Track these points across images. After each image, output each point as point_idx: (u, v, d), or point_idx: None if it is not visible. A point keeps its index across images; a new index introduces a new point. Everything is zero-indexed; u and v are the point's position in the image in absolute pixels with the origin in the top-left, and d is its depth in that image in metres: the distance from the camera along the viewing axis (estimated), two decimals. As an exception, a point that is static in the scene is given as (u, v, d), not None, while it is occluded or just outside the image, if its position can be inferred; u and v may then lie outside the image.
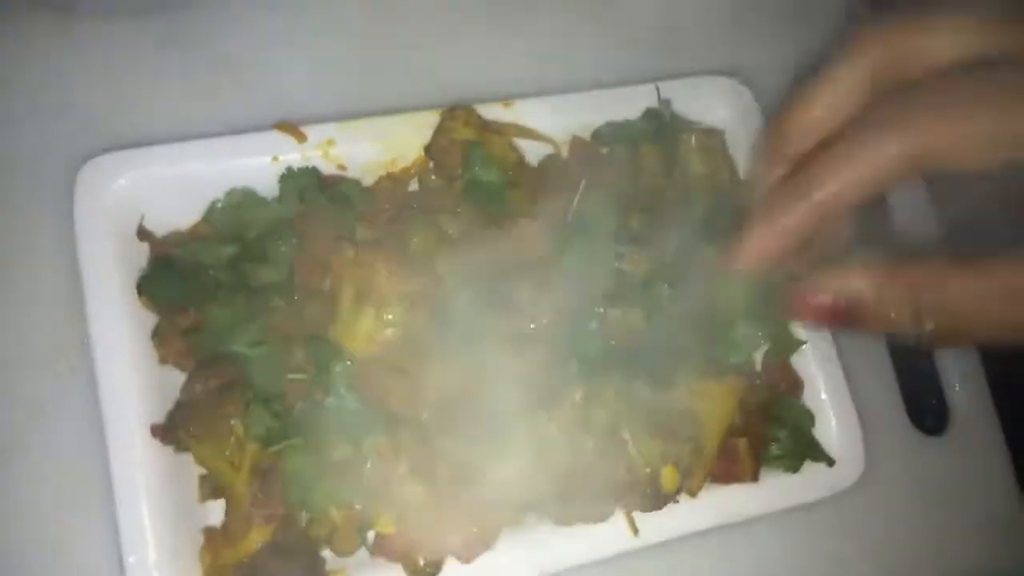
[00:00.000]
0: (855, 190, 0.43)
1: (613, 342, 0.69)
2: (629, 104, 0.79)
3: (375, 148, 0.73)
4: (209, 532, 0.64)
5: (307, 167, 0.70)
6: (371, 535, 0.66)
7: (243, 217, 0.68)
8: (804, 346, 0.77)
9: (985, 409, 0.88)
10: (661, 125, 0.78)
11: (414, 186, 0.74)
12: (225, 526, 0.63)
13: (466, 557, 0.65)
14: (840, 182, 0.43)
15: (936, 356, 0.88)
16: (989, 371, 0.90)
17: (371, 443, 0.62)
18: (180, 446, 0.63)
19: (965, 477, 0.86)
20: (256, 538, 0.63)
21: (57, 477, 0.66)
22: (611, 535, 0.69)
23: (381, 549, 0.66)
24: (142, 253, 0.68)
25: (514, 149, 0.73)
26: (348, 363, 0.61)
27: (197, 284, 0.63)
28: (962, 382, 0.88)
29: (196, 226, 0.70)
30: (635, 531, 0.69)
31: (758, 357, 0.77)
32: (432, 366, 0.65)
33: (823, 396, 0.77)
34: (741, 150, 0.82)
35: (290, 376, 0.61)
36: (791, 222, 0.46)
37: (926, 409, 0.87)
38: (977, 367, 0.89)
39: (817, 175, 0.44)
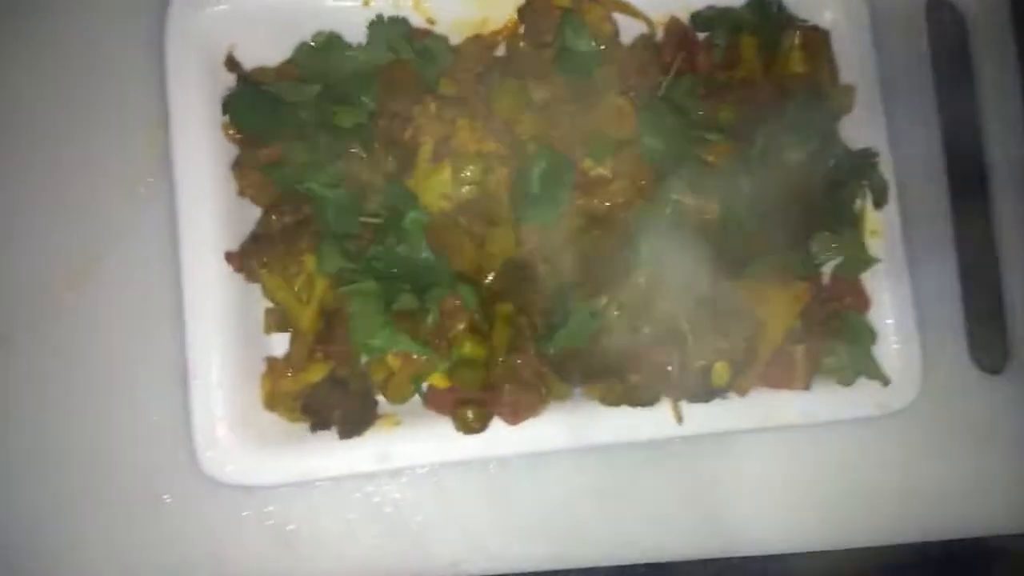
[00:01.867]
0: None
1: (685, 231, 0.67)
2: (733, -10, 0.75)
3: (468, 5, 0.71)
4: (271, 361, 0.67)
5: (397, 16, 0.69)
6: (424, 386, 0.68)
7: (329, 61, 0.68)
8: (877, 265, 0.75)
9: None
10: (766, 16, 0.74)
11: (502, 52, 0.73)
12: (288, 357, 0.66)
13: (513, 419, 0.67)
14: None
15: (1005, 296, 0.85)
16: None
17: (435, 296, 0.63)
18: (251, 276, 0.65)
19: (1015, 421, 0.85)
20: (315, 372, 0.65)
21: (131, 296, 0.69)
22: (656, 420, 0.70)
23: (433, 401, 0.68)
24: (229, 84, 0.68)
25: (610, 21, 0.70)
26: (420, 213, 0.61)
27: (280, 118, 0.63)
28: (1027, 325, 0.85)
29: (284, 64, 0.69)
30: (680, 419, 0.70)
31: (828, 269, 0.76)
32: (503, 231, 0.65)
33: (888, 318, 0.76)
34: (845, 54, 0.78)
35: (364, 219, 0.62)
36: None
37: (987, 347, 0.85)
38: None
39: None
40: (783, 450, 0.75)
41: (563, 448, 0.70)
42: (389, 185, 0.62)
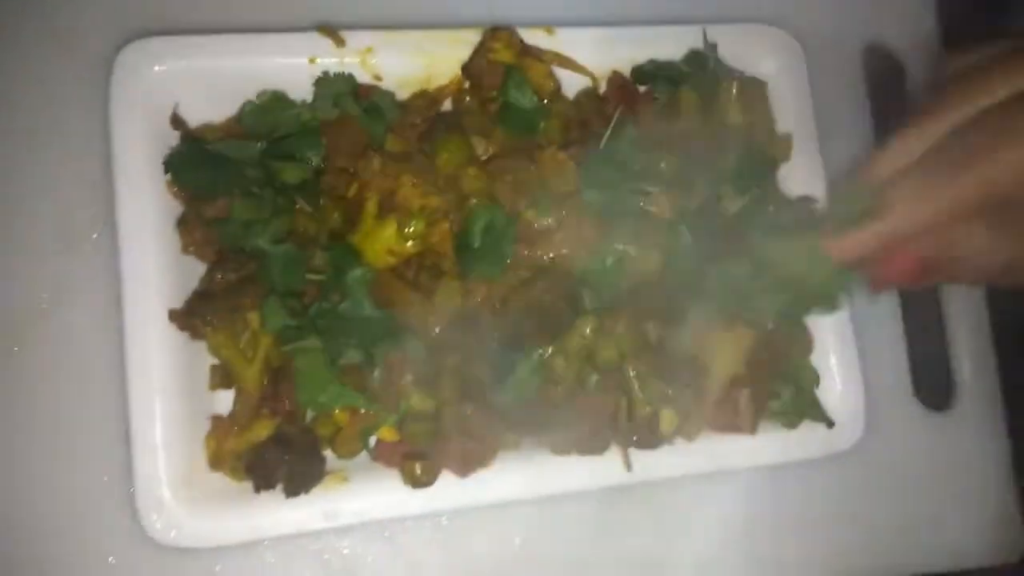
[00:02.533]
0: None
1: (628, 280, 0.69)
2: (673, 43, 0.77)
3: (413, 62, 0.72)
4: (216, 420, 0.66)
5: (343, 73, 0.70)
6: (372, 441, 0.68)
7: (274, 118, 0.68)
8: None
9: (991, 392, 0.88)
10: (704, 69, 0.76)
11: (448, 106, 0.74)
12: (232, 415, 0.65)
13: (462, 472, 0.67)
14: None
15: (948, 331, 0.88)
16: (1000, 355, 0.89)
17: (381, 351, 0.63)
18: (196, 333, 0.65)
19: (962, 457, 0.86)
20: (261, 430, 0.64)
21: (74, 356, 0.67)
22: (605, 468, 0.70)
23: (381, 455, 0.67)
24: (174, 142, 0.68)
25: (552, 77, 0.72)
26: (366, 271, 0.62)
27: (224, 175, 0.64)
28: (971, 361, 0.88)
29: (229, 121, 0.70)
30: (628, 467, 0.70)
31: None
32: (449, 284, 0.66)
33: (831, 359, 0.77)
34: (783, 104, 0.80)
35: (309, 276, 0.62)
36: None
37: (932, 384, 0.87)
38: (988, 348, 0.88)
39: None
40: (733, 491, 0.76)
41: (515, 499, 0.70)
42: (332, 244, 0.62)
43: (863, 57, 0.91)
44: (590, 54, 0.76)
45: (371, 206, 0.64)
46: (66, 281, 0.68)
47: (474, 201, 0.64)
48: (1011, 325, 0.90)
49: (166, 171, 0.63)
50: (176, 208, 0.67)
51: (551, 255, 0.67)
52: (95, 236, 0.69)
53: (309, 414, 0.65)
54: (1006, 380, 0.89)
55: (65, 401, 0.67)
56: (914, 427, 0.85)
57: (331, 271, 0.62)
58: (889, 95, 0.92)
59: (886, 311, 0.85)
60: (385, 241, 0.63)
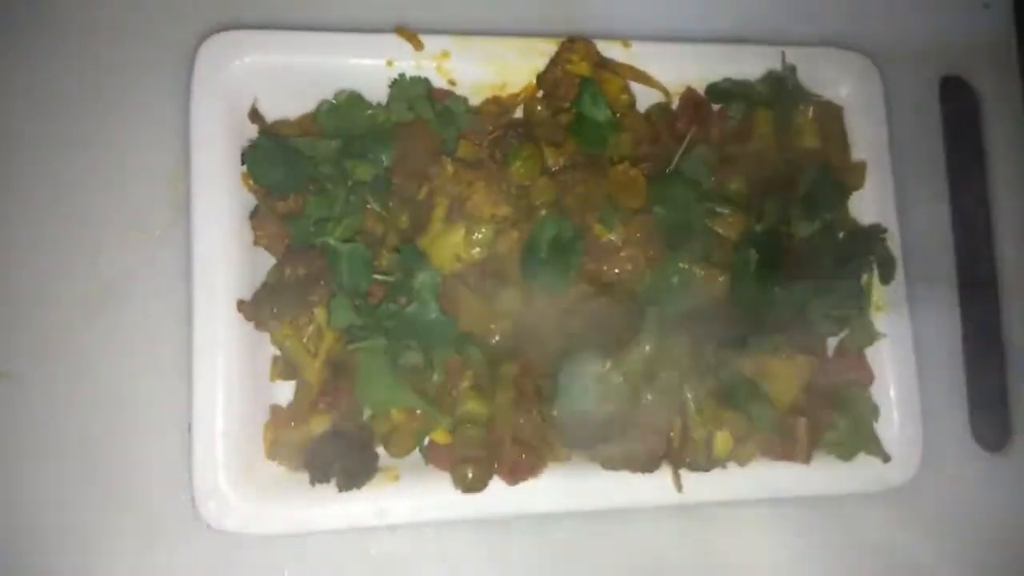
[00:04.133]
0: None
1: (692, 301, 0.68)
2: (750, 63, 0.77)
3: (488, 68, 0.72)
4: (275, 410, 0.67)
5: (419, 76, 0.70)
6: (426, 442, 0.68)
7: (349, 118, 0.69)
8: (882, 340, 0.76)
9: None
10: (781, 91, 0.75)
11: (519, 114, 0.74)
12: (292, 407, 0.66)
13: (511, 479, 0.67)
14: None
15: (1009, 373, 0.86)
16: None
17: (441, 355, 0.63)
18: (262, 325, 0.66)
19: (1017, 499, 0.84)
20: (318, 423, 0.65)
21: (141, 338, 0.69)
22: (655, 487, 0.70)
23: (433, 457, 0.68)
24: (250, 135, 0.69)
25: (628, 91, 0.72)
26: (435, 275, 0.62)
27: (298, 171, 0.65)
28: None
29: (304, 118, 0.71)
30: (680, 487, 0.70)
31: (833, 342, 0.76)
32: (512, 292, 0.66)
33: (891, 393, 0.76)
34: (858, 130, 0.79)
35: (377, 276, 0.63)
36: None
37: (989, 424, 0.85)
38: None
39: None
40: (783, 520, 0.75)
41: (562, 511, 0.70)
42: (402, 246, 0.63)
43: (941, 87, 0.89)
44: (665, 69, 0.75)
45: (440, 210, 0.65)
46: (143, 265, 0.70)
47: (544, 212, 0.64)
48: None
49: (243, 163, 0.64)
50: (250, 201, 0.68)
51: (616, 270, 0.67)
52: (173, 224, 0.71)
53: (366, 411, 0.65)
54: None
55: (130, 383, 0.68)
56: (969, 466, 0.83)
57: (400, 273, 0.62)
58: (965, 127, 0.90)
59: (948, 349, 0.84)
60: (453, 247, 0.64)
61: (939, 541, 0.79)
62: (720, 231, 0.69)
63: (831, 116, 0.76)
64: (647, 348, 0.66)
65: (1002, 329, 0.87)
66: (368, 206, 0.66)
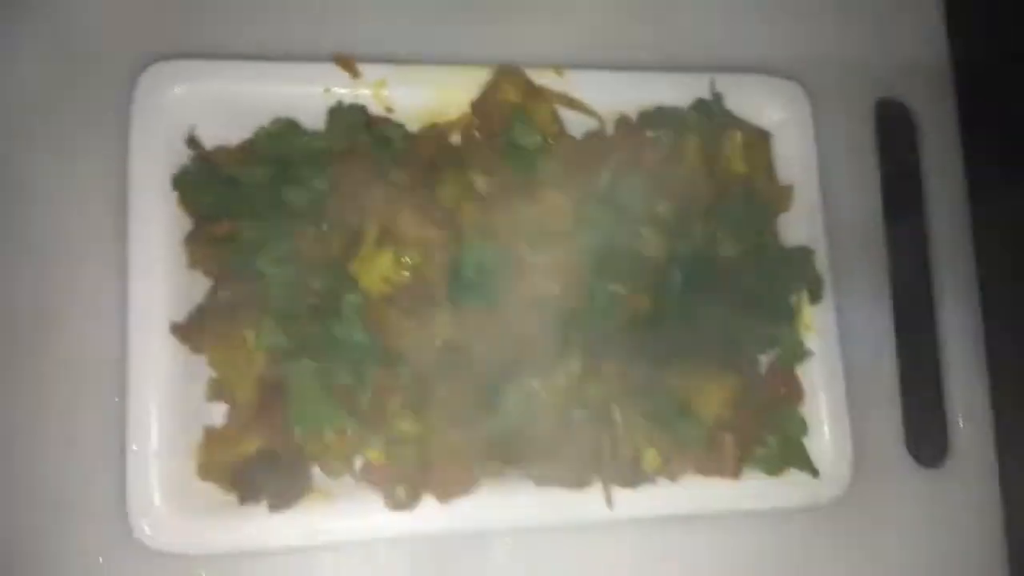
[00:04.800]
0: None
1: (618, 320, 0.70)
2: (681, 90, 0.79)
3: (425, 95, 0.74)
4: (209, 431, 0.68)
5: (357, 104, 0.72)
6: (360, 462, 0.69)
7: (286, 145, 0.71)
8: (811, 357, 0.77)
9: (985, 451, 0.88)
10: (709, 118, 0.77)
11: (457, 140, 0.76)
12: (225, 428, 0.67)
13: (444, 497, 0.68)
14: None
15: (945, 387, 0.87)
16: (997, 413, 0.89)
17: (371, 374, 0.65)
18: (196, 347, 0.67)
19: (953, 516, 0.86)
20: (251, 444, 0.66)
21: (78, 361, 0.69)
22: (586, 504, 0.71)
23: (367, 476, 0.69)
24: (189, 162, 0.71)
25: (556, 119, 0.74)
26: (360, 296, 0.64)
27: (232, 196, 0.66)
28: (967, 419, 0.87)
29: (243, 145, 0.72)
30: (610, 503, 0.71)
31: (764, 360, 0.78)
32: (440, 314, 0.68)
33: (821, 409, 0.78)
34: (787, 154, 0.81)
35: (305, 298, 0.64)
36: None
37: (925, 440, 0.87)
38: (985, 406, 0.88)
39: None
40: (714, 534, 0.76)
41: (495, 529, 0.71)
42: (329, 268, 0.65)
43: (876, 110, 0.91)
44: (598, 96, 0.77)
45: (371, 234, 0.66)
46: (78, 288, 0.71)
47: (472, 236, 0.66)
48: (1010, 383, 0.89)
49: (174, 188, 0.66)
50: (187, 225, 0.70)
51: (543, 291, 0.69)
52: (110, 248, 0.72)
53: (298, 431, 0.66)
54: (1001, 439, 0.88)
55: (66, 404, 0.69)
56: (905, 482, 0.84)
57: (327, 295, 0.64)
58: (901, 150, 0.92)
59: (882, 365, 0.85)
60: (381, 269, 0.65)
61: (873, 557, 0.81)
62: (646, 253, 0.71)
63: (759, 141, 0.79)
64: (574, 367, 0.68)
65: (938, 347, 0.89)
66: (302, 231, 0.67)
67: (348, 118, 0.71)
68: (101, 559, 0.68)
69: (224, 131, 0.72)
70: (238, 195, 0.67)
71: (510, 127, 0.71)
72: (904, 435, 0.85)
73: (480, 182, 0.69)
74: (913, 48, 0.94)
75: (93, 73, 0.73)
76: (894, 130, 0.92)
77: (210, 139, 0.72)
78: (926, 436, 0.88)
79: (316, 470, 0.69)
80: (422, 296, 0.67)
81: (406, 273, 0.66)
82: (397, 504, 0.67)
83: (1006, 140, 0.93)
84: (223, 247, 0.67)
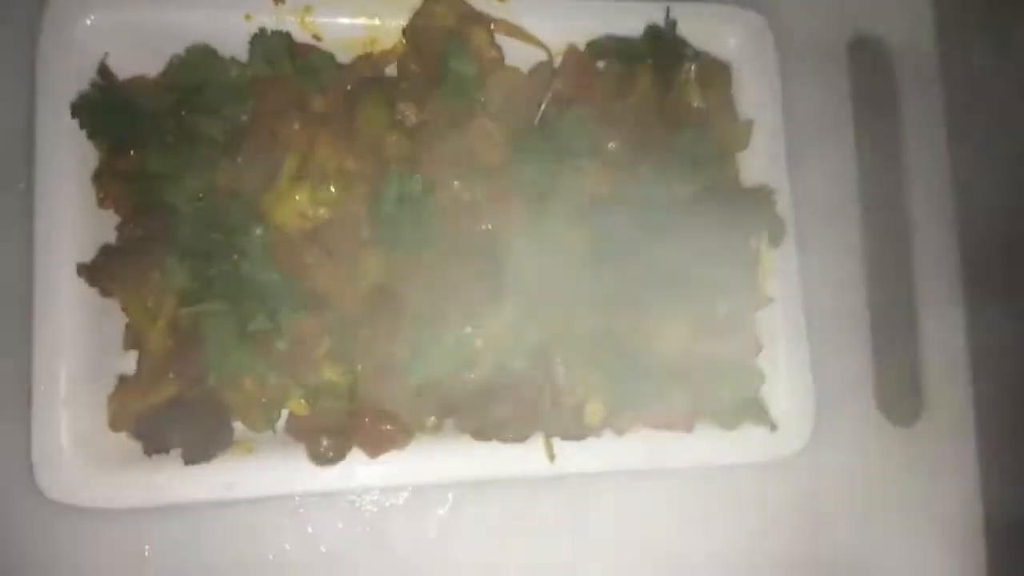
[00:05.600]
0: None
1: (558, 263, 0.65)
2: (635, 20, 0.74)
3: (354, 22, 0.69)
4: (121, 379, 0.64)
5: (279, 30, 0.67)
6: (285, 415, 0.65)
7: (203, 74, 0.66)
8: (771, 305, 0.73)
9: (962, 412, 0.83)
10: (662, 48, 0.72)
11: (393, 72, 0.71)
12: (135, 376, 0.63)
13: (373, 452, 0.64)
14: None
15: (920, 344, 0.83)
16: (977, 367, 0.84)
17: (289, 319, 0.60)
18: (105, 290, 0.63)
19: (925, 477, 0.81)
20: (164, 393, 0.62)
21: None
22: (526, 457, 0.67)
23: (291, 428, 0.65)
24: (103, 95, 0.66)
25: (495, 46, 0.69)
26: (267, 230, 0.59)
27: (141, 125, 0.61)
28: (943, 376, 0.82)
29: (161, 76, 0.68)
30: (551, 457, 0.67)
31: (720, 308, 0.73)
32: (368, 255, 0.63)
33: (780, 360, 0.73)
34: (749, 89, 0.76)
35: (213, 235, 0.60)
36: None
37: (897, 397, 0.82)
38: (965, 362, 0.83)
39: None
40: (664, 490, 0.72)
41: (430, 483, 0.68)
42: (231, 200, 0.60)
43: (849, 51, 0.86)
44: (544, 26, 0.72)
45: (288, 167, 0.62)
46: (-15, 230, 0.67)
47: (393, 168, 0.61)
48: (991, 334, 0.85)
49: (73, 115, 0.61)
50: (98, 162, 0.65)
51: (477, 230, 0.64)
52: (20, 187, 0.68)
53: (214, 379, 0.62)
54: (980, 396, 0.84)
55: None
56: (874, 440, 0.80)
57: (236, 232, 0.59)
58: (875, 92, 0.87)
59: (852, 315, 0.81)
60: (298, 203, 0.61)
61: (834, 515, 0.76)
62: (590, 189, 0.66)
63: (717, 74, 0.73)
64: (509, 311, 0.63)
65: (914, 297, 0.84)
66: (215, 164, 0.63)
67: (270, 44, 0.66)
68: (7, 516, 0.64)
69: (142, 63, 0.67)
70: (145, 125, 0.62)
71: (444, 54, 0.66)
72: (874, 390, 0.81)
73: (407, 111, 0.64)
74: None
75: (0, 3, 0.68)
76: (869, 67, 0.87)
77: (128, 71, 0.67)
78: (897, 394, 0.83)
79: (238, 424, 0.65)
80: (345, 235, 0.62)
81: (323, 209, 0.61)
82: (320, 458, 0.63)
83: (988, 78, 0.87)
84: (133, 183, 0.62)
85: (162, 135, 0.62)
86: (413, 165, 0.63)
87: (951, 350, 0.83)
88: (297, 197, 0.60)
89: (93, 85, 0.63)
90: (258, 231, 0.59)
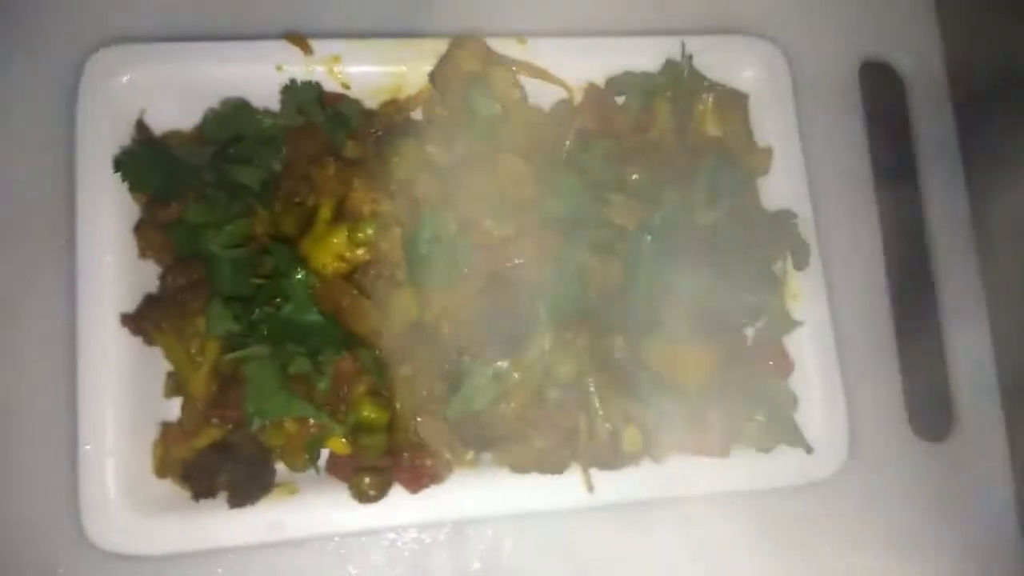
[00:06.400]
0: None
1: (589, 292, 0.66)
2: (651, 55, 0.76)
3: (381, 70, 0.72)
4: (165, 426, 0.65)
5: (309, 81, 0.69)
6: (325, 455, 0.66)
7: (237, 125, 0.68)
8: (800, 328, 0.74)
9: (993, 425, 0.83)
10: (680, 81, 0.74)
11: (419, 116, 0.73)
12: (180, 422, 0.64)
13: (413, 487, 0.65)
14: None
15: (948, 359, 0.83)
16: (1004, 385, 0.84)
17: (329, 359, 0.62)
18: (148, 339, 0.64)
19: (959, 492, 0.81)
20: (208, 438, 0.63)
21: (30, 359, 0.66)
22: (565, 489, 0.67)
23: (333, 468, 0.66)
24: (140, 148, 0.68)
25: (517, 86, 0.71)
26: (308, 274, 0.61)
27: (177, 177, 0.63)
28: (972, 390, 0.83)
29: (196, 129, 0.70)
30: (590, 488, 0.68)
31: (751, 333, 0.74)
32: (403, 292, 0.64)
33: (812, 381, 0.74)
34: (766, 117, 0.78)
35: (254, 280, 0.61)
36: None
37: (928, 413, 0.82)
38: (991, 377, 0.83)
39: None
40: (703, 517, 0.72)
41: (470, 518, 0.68)
42: (273, 247, 0.61)
43: (861, 71, 0.88)
44: (564, 65, 0.74)
45: (325, 212, 0.63)
46: (30, 285, 0.68)
47: (426, 208, 0.63)
48: (1017, 347, 0.85)
49: (116, 169, 0.63)
50: (138, 213, 0.67)
51: (509, 265, 0.65)
52: (62, 242, 0.69)
53: (257, 423, 0.63)
54: (1009, 409, 0.84)
55: (19, 402, 0.66)
56: (907, 458, 0.80)
57: (277, 277, 0.61)
58: (888, 112, 0.89)
59: (878, 334, 0.81)
60: (335, 247, 0.62)
61: (872, 534, 0.76)
62: (617, 220, 0.67)
63: (734, 103, 0.75)
64: (545, 343, 0.64)
65: (939, 314, 0.85)
66: (255, 212, 0.64)
67: (301, 95, 0.68)
68: (60, 569, 0.65)
69: (177, 116, 0.70)
70: (183, 176, 0.64)
71: (468, 96, 0.68)
72: (905, 407, 0.81)
73: (437, 153, 0.65)
74: (898, 5, 0.91)
75: (37, 62, 0.70)
76: (881, 92, 0.89)
77: (163, 125, 0.69)
78: (929, 409, 0.83)
79: (280, 465, 0.65)
80: (381, 275, 0.63)
81: (361, 251, 0.62)
82: (363, 496, 0.64)
83: (997, 96, 0.89)
84: (172, 232, 0.64)
85: (201, 186, 0.64)
86: (445, 204, 0.64)
87: (979, 365, 0.84)
88: (335, 240, 0.62)
89: (134, 140, 0.65)
90: (299, 274, 0.60)
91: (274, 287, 0.60)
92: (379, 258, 0.64)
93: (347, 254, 0.62)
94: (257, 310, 0.60)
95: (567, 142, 0.68)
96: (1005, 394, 0.84)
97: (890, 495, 0.78)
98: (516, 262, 0.65)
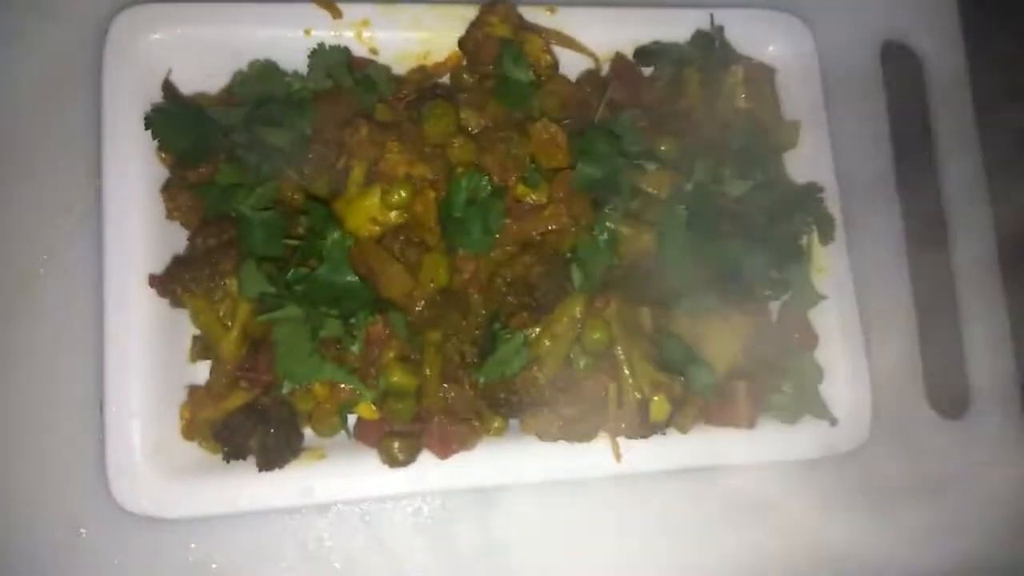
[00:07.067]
0: None
1: (621, 261, 0.66)
2: (679, 26, 0.75)
3: (409, 36, 0.71)
4: (193, 390, 0.65)
5: (338, 45, 0.69)
6: (352, 420, 0.66)
7: (266, 88, 0.67)
8: (825, 302, 0.74)
9: (1010, 402, 0.84)
10: (709, 52, 0.74)
11: (447, 82, 0.72)
12: (209, 385, 0.64)
13: (442, 453, 0.65)
14: None
15: (965, 337, 0.84)
16: (1022, 365, 0.85)
17: (361, 322, 0.61)
18: (175, 301, 0.63)
19: (976, 468, 0.82)
20: (237, 401, 0.63)
21: (57, 321, 0.66)
22: (593, 457, 0.67)
23: (361, 433, 0.65)
24: (167, 110, 0.67)
25: (549, 52, 0.70)
26: (343, 235, 0.60)
27: (209, 138, 0.63)
28: (989, 368, 0.83)
29: (223, 92, 0.69)
30: (618, 457, 0.68)
31: (775, 306, 0.74)
32: (436, 257, 0.64)
33: (837, 354, 0.74)
34: (792, 91, 0.78)
35: (288, 241, 0.61)
36: None
37: (946, 391, 0.83)
38: (1007, 355, 0.84)
39: None
40: (728, 487, 0.72)
41: (498, 485, 0.68)
42: (309, 206, 0.61)
43: (882, 52, 0.88)
44: (593, 34, 0.74)
45: (357, 174, 0.63)
46: (58, 245, 0.67)
47: (460, 171, 0.62)
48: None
49: (147, 127, 0.62)
50: (164, 175, 0.66)
51: (541, 231, 0.65)
52: (87, 203, 0.68)
53: (287, 387, 0.62)
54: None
55: (46, 365, 0.65)
56: (925, 434, 0.80)
57: (308, 234, 0.60)
58: (907, 90, 0.89)
59: (899, 315, 0.82)
60: (368, 209, 0.62)
61: (891, 508, 0.77)
62: (649, 189, 0.67)
63: (762, 77, 0.75)
64: (576, 311, 0.64)
65: (957, 290, 0.85)
66: (285, 174, 0.64)
67: (330, 58, 0.68)
68: (83, 530, 0.65)
69: (204, 78, 0.69)
70: (214, 137, 0.63)
71: (500, 61, 0.67)
72: (924, 386, 0.82)
73: (470, 117, 0.65)
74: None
75: (63, 21, 0.69)
76: (901, 70, 0.89)
77: (190, 87, 0.69)
78: (946, 387, 0.84)
79: (310, 431, 0.65)
80: (416, 241, 0.63)
81: (394, 214, 0.62)
82: (393, 461, 0.63)
83: (1015, 77, 0.89)
84: (201, 194, 0.63)
85: (230, 147, 0.63)
86: (478, 169, 0.64)
87: (997, 345, 0.84)
88: (368, 202, 0.61)
89: (164, 98, 0.64)
90: (335, 235, 0.59)
91: (309, 247, 0.60)
92: (412, 221, 0.63)
93: (380, 217, 0.62)
94: (292, 271, 0.59)
95: (599, 110, 0.67)
96: (1023, 374, 0.84)
97: (907, 471, 0.79)
98: (549, 228, 0.64)
